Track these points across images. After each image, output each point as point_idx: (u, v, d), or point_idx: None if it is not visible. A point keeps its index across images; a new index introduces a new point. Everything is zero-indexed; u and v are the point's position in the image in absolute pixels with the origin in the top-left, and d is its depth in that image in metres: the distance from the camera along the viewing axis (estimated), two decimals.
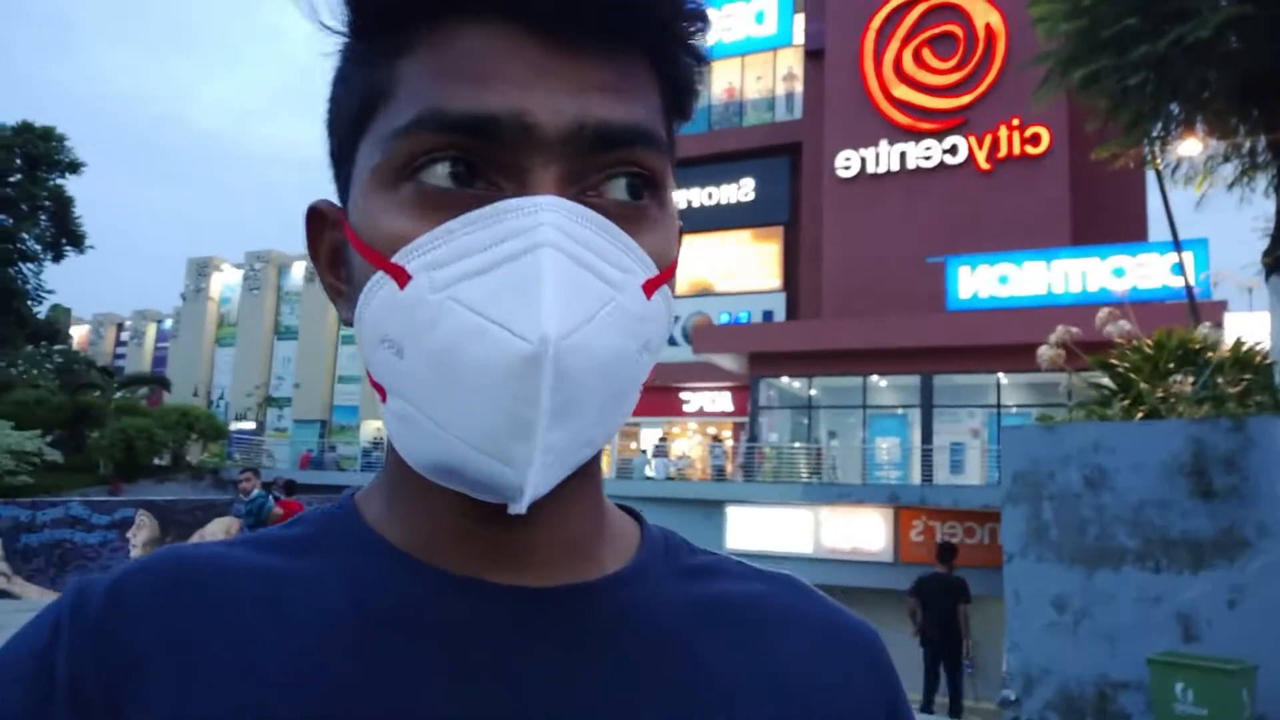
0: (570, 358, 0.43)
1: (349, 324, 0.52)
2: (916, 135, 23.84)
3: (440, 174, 0.47)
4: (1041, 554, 7.52)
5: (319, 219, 0.55)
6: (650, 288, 0.49)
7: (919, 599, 9.92)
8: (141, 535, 13.96)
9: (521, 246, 0.44)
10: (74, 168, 31.88)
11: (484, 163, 0.47)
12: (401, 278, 0.46)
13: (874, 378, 22.41)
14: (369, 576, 0.52)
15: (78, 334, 54.91)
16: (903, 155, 23.91)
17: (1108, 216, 22.17)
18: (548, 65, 0.47)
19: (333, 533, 0.55)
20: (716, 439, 25.53)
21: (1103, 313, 9.00)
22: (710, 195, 27.74)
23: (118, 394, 34.95)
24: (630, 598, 0.54)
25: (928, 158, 23.62)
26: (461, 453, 0.46)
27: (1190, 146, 9.27)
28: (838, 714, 0.56)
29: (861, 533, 18.63)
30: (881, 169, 24.12)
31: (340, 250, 0.54)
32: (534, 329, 0.43)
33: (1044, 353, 9.14)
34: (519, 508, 0.46)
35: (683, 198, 28.03)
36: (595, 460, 0.54)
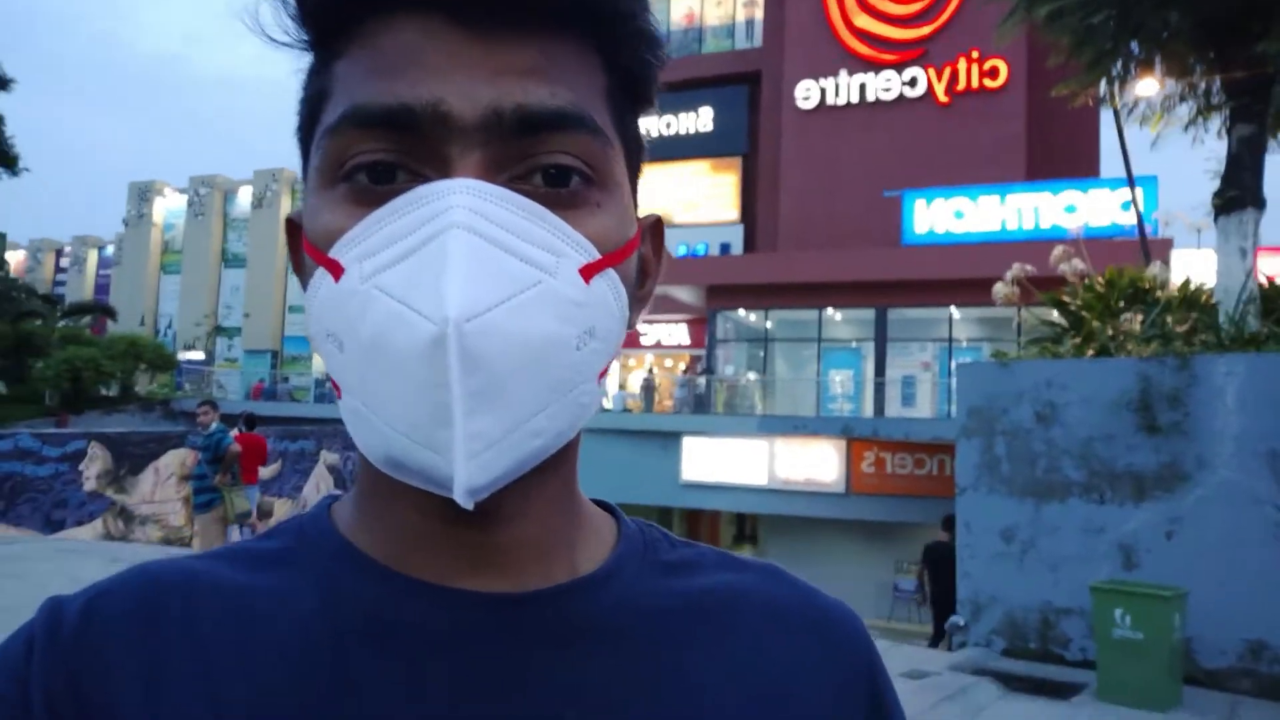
0: (481, 339, 0.43)
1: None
2: (876, 66, 23.74)
3: (368, 170, 0.48)
4: (993, 486, 7.78)
5: (294, 230, 0.55)
6: (589, 272, 0.48)
7: (926, 565, 10.32)
8: (94, 468, 13.76)
9: (433, 230, 0.45)
10: (3, 84, 30.49)
11: (410, 154, 0.47)
12: (337, 271, 0.47)
13: (829, 311, 22.66)
14: (340, 587, 0.52)
15: (14, 260, 53.26)
16: (863, 86, 23.81)
17: (1061, 153, 22.40)
18: (466, 52, 0.47)
19: (306, 543, 0.55)
20: (650, 372, 25.54)
21: (1057, 250, 9.16)
22: (668, 125, 27.41)
23: (61, 322, 34.10)
24: (606, 599, 0.54)
25: (887, 89, 23.56)
26: (399, 443, 0.46)
27: (1148, 86, 9.38)
28: (818, 700, 0.56)
29: (815, 464, 19.03)
30: (841, 100, 24.03)
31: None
32: (437, 309, 0.43)
33: (999, 289, 9.32)
34: (465, 502, 0.44)
35: (640, 126, 27.62)
36: (564, 458, 0.53)
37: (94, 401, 28.25)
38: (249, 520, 8.99)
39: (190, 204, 45.25)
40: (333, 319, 0.47)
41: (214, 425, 9.15)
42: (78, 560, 9.69)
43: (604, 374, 0.51)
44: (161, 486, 13.86)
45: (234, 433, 10.44)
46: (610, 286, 0.50)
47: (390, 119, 0.46)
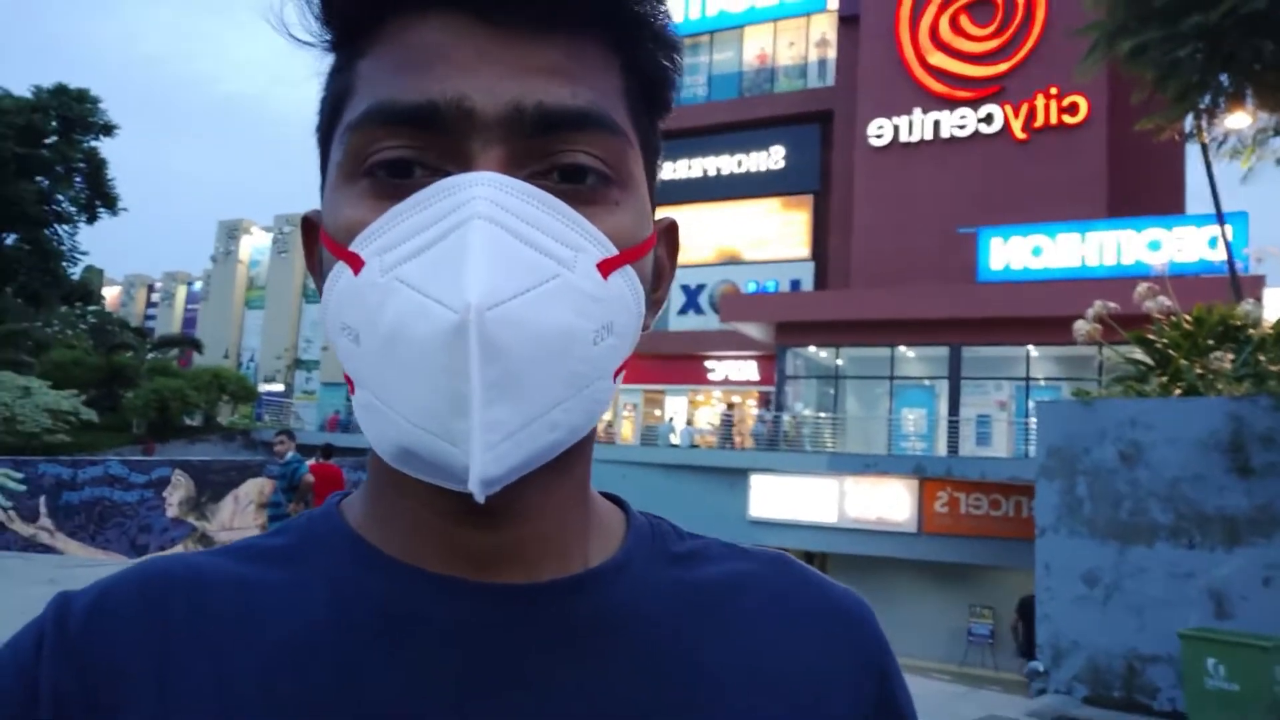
0: (502, 328, 0.43)
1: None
2: (951, 103, 23.51)
3: (388, 166, 0.48)
4: (1074, 528, 7.54)
5: (310, 228, 0.56)
6: (607, 268, 0.48)
7: (1021, 617, 10.36)
8: (177, 494, 14.22)
9: (455, 221, 0.45)
10: (108, 130, 32.09)
11: (432, 149, 0.48)
12: (356, 264, 0.47)
13: (901, 348, 22.32)
14: (349, 580, 0.52)
15: (110, 295, 55.51)
16: (936, 124, 23.60)
17: (1144, 189, 21.82)
18: (490, 50, 0.48)
19: (314, 538, 0.55)
20: (730, 407, 25.44)
21: (1142, 287, 8.90)
22: (740, 163, 27.52)
23: (150, 355, 35.42)
24: (616, 591, 0.54)
25: (962, 126, 23.29)
26: (413, 435, 0.45)
27: (1239, 119, 9.11)
28: (825, 687, 0.56)
29: (886, 503, 18.66)
30: (915, 137, 23.83)
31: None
32: (458, 298, 0.42)
33: (1080, 327, 9.07)
34: (478, 494, 0.44)
35: (712, 165, 27.83)
36: (577, 454, 0.53)
37: (179, 431, 29.22)
38: None
39: (275, 241, 46.81)
40: (350, 312, 0.47)
41: (290, 455, 9.33)
42: None
43: (620, 371, 0.51)
44: (240, 514, 14.24)
45: (310, 462, 10.68)
46: (628, 283, 0.50)
47: (415, 114, 0.47)
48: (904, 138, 23.92)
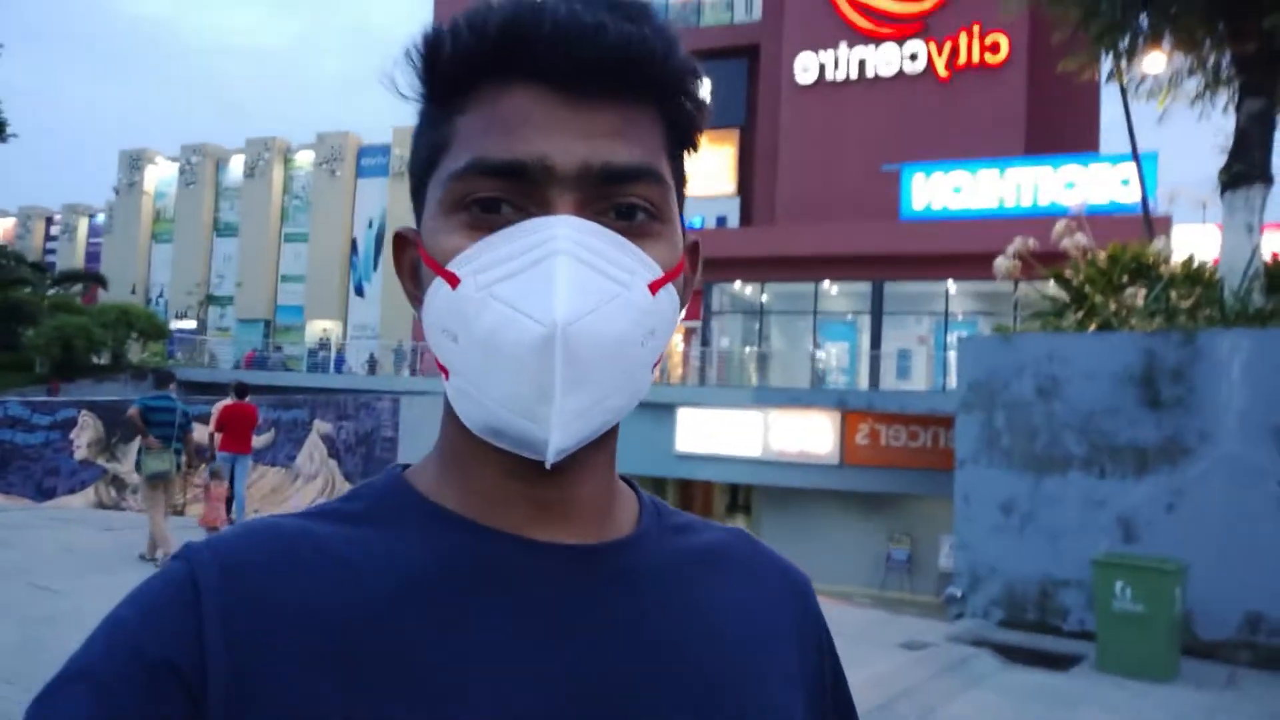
0: (578, 338, 0.55)
1: (422, 324, 0.65)
2: (877, 40, 23.56)
3: (481, 203, 0.60)
4: (992, 459, 7.79)
5: (402, 241, 0.68)
6: (655, 287, 0.61)
7: None
8: (85, 436, 13.70)
9: (542, 253, 0.57)
10: None
11: (518, 194, 0.59)
12: (454, 281, 0.59)
13: (825, 284, 22.62)
14: (436, 536, 0.63)
15: (2, 227, 52.73)
16: (862, 62, 23.65)
17: (1061, 130, 22.31)
18: (565, 117, 0.59)
19: (391, 503, 0.65)
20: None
21: (1060, 225, 9.13)
22: None
23: (51, 291, 33.85)
24: (645, 551, 0.68)
25: (888, 64, 23.39)
26: (502, 416, 0.58)
27: (1156, 61, 9.29)
28: (786, 635, 0.71)
29: (809, 436, 19.06)
30: (841, 75, 23.86)
31: (416, 265, 0.66)
32: (548, 315, 0.55)
33: (1001, 263, 9.29)
34: (550, 459, 0.57)
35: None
36: (613, 433, 0.66)
37: (86, 370, 28.10)
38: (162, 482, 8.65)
39: (182, 172, 44.77)
40: (449, 317, 0.59)
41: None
42: (72, 528, 9.65)
43: (657, 363, 0.64)
44: None
45: (225, 402, 10.36)
46: (669, 297, 0.63)
47: (506, 169, 0.59)
48: (829, 75, 23.93)
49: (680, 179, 0.68)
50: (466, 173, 0.60)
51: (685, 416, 19.96)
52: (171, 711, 0.53)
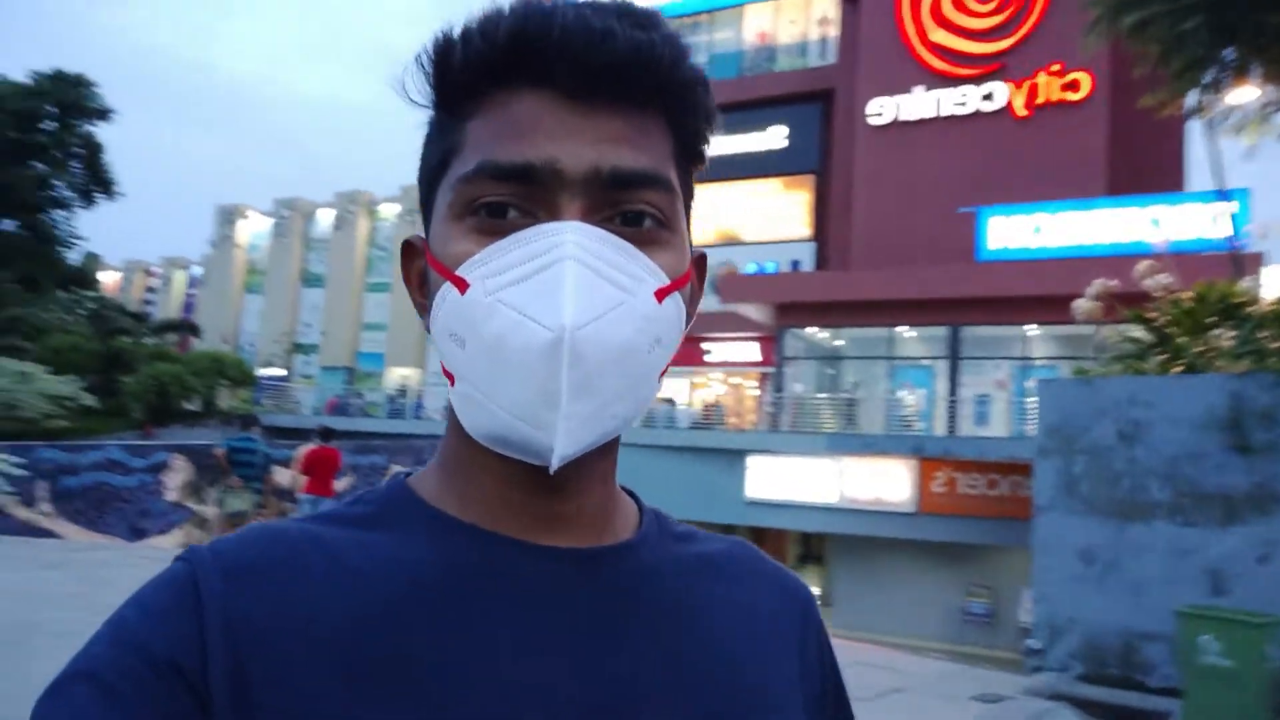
0: (585, 344, 0.55)
1: (430, 331, 0.65)
2: (953, 81, 23.35)
3: (489, 208, 0.60)
4: (1071, 506, 7.51)
5: (410, 250, 0.68)
6: (661, 294, 0.61)
7: None
8: (177, 479, 14.23)
9: (550, 259, 0.57)
10: (104, 114, 31.96)
11: (526, 198, 0.60)
12: (463, 286, 0.59)
13: (901, 329, 22.27)
14: (439, 540, 0.63)
15: (108, 280, 55.49)
16: (937, 102, 23.45)
17: (1144, 167, 21.70)
18: (574, 122, 0.60)
19: (395, 509, 0.65)
20: (714, 401, 25.44)
21: (1143, 265, 8.84)
22: (740, 143, 27.37)
23: (149, 340, 35.39)
24: (647, 557, 0.68)
25: (963, 104, 23.15)
26: (507, 422, 0.58)
27: (1244, 94, 9.01)
28: (787, 643, 0.71)
29: (884, 483, 18.64)
30: (915, 116, 23.68)
31: (424, 273, 0.66)
32: (556, 320, 0.55)
33: (1081, 305, 9.02)
34: (553, 466, 0.57)
35: (712, 145, 27.62)
36: (616, 442, 0.66)
37: (178, 416, 29.23)
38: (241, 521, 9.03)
39: (274, 226, 46.69)
40: (457, 322, 0.59)
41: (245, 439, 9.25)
42: (161, 568, 9.97)
43: (664, 372, 0.64)
44: None
45: (309, 446, 10.66)
46: (675, 305, 0.63)
47: (515, 173, 0.59)
48: (904, 116, 23.76)
49: (689, 190, 0.68)
50: (476, 175, 0.60)
51: (755, 464, 19.73)
52: (177, 710, 0.53)
